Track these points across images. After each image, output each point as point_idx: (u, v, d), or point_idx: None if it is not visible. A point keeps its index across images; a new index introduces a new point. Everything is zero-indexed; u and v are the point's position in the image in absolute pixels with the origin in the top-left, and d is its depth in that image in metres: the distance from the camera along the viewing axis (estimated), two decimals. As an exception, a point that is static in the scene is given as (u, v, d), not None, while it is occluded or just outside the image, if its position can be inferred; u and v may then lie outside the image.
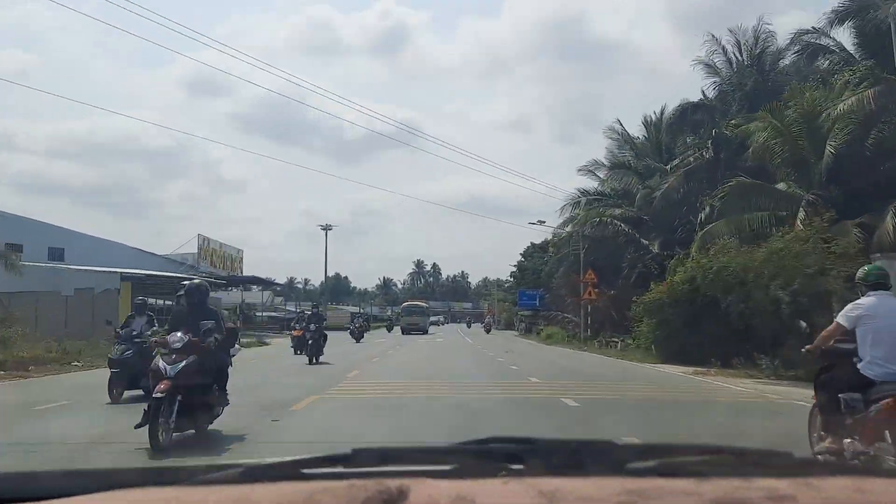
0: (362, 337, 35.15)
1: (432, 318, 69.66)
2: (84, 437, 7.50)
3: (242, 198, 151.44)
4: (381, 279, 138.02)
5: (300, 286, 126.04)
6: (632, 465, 0.97)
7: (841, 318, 5.42)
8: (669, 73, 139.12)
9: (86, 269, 28.17)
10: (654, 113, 31.72)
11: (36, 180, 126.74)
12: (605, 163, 32.48)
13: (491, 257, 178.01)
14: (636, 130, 32.26)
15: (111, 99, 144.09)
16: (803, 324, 14.86)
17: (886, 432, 4.77)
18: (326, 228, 67.23)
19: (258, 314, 54.79)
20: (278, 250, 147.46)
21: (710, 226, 20.87)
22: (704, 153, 25.24)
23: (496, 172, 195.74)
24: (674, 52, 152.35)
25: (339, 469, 0.97)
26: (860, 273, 5.71)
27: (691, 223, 23.95)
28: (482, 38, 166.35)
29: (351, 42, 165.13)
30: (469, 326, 78.58)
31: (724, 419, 9.45)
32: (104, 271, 27.83)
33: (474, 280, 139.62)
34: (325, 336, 20.36)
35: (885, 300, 5.30)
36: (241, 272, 49.43)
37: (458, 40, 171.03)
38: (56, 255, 34.34)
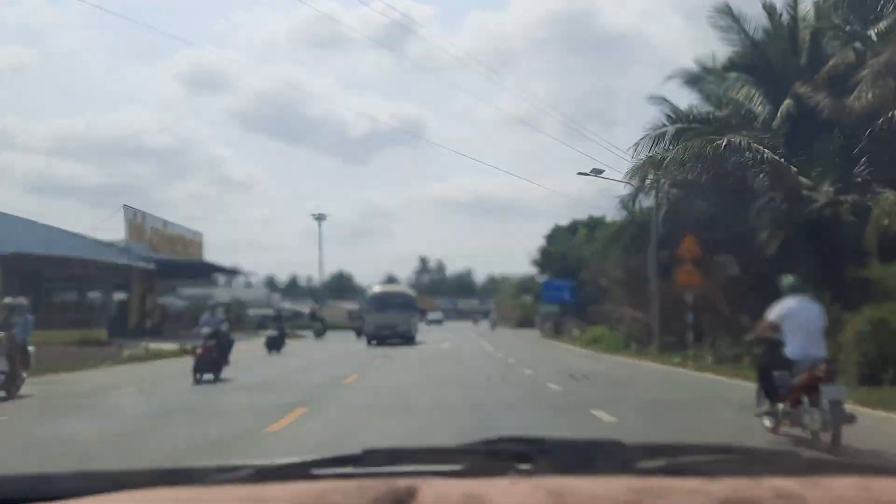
0: (282, 346, 23.50)
1: (431, 316, 61.78)
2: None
3: (246, 197, 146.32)
4: (384, 276, 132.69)
5: (303, 284, 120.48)
6: (640, 464, 1.01)
7: (770, 316, 7.53)
8: (680, 65, 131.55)
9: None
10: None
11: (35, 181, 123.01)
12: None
13: (497, 255, 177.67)
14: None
15: (110, 95, 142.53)
16: None
17: (804, 397, 6.94)
18: (319, 218, 63.95)
19: (251, 312, 50.51)
20: (284, 250, 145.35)
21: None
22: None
23: (505, 169, 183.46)
24: (684, 44, 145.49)
25: (349, 469, 1.01)
26: (784, 282, 7.74)
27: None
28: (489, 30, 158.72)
29: (354, 36, 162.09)
30: (476, 323, 74.84)
31: None
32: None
33: (479, 277, 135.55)
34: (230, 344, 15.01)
35: (802, 302, 7.44)
36: (201, 258, 41.24)
37: (464, 33, 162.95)
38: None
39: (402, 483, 0.88)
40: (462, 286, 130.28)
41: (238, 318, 41.32)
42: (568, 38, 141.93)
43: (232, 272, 46.48)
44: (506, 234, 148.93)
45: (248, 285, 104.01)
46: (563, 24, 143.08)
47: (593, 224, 44.46)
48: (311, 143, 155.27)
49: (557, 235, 51.85)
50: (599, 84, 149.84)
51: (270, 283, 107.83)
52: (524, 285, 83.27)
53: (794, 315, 7.31)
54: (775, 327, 7.46)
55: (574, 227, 49.77)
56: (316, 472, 0.99)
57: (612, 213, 32.21)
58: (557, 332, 41.95)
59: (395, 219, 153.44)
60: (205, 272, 43.93)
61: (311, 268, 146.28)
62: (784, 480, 0.90)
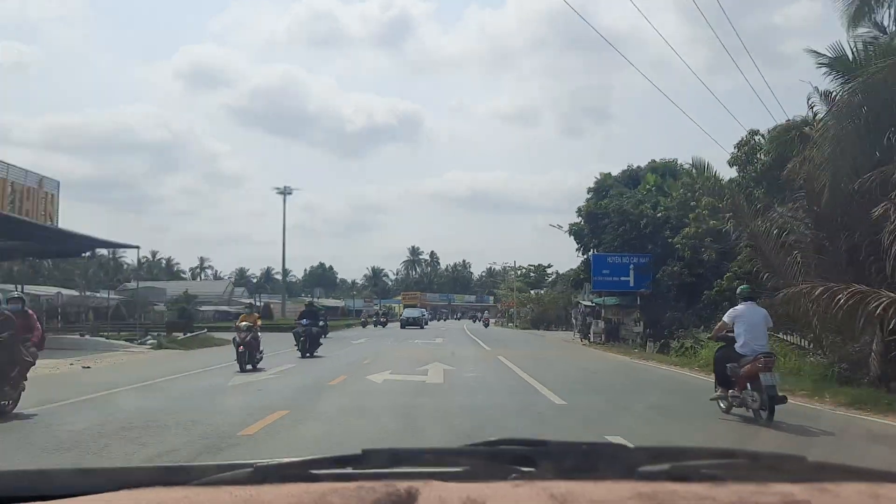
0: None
1: (408, 314, 57.18)
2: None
3: (238, 192, 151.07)
4: (370, 269, 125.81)
5: (278, 277, 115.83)
6: (644, 468, 0.99)
7: (725, 318, 9.66)
8: (677, 64, 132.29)
9: None
10: None
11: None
12: None
13: (494, 251, 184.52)
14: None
15: (106, 90, 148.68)
16: None
17: (748, 383, 8.89)
18: (285, 192, 58.27)
19: (202, 308, 48.49)
20: (273, 245, 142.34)
21: None
22: None
23: (502, 166, 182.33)
24: (681, 43, 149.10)
25: (349, 470, 1.01)
26: (738, 290, 10.09)
27: None
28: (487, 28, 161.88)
29: (353, 33, 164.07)
30: (475, 322, 70.73)
31: None
32: None
33: (477, 270, 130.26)
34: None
35: (750, 307, 9.46)
36: (56, 222, 26.79)
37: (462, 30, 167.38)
38: None
39: (402, 485, 0.88)
40: (458, 281, 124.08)
41: (184, 314, 38.78)
42: (565, 35, 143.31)
43: (108, 245, 36.04)
44: (502, 229, 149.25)
45: (217, 278, 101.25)
46: (560, 22, 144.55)
47: (667, 168, 32.78)
48: (306, 137, 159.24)
49: (606, 186, 34.62)
50: (595, 80, 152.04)
51: (241, 277, 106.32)
52: (536, 275, 77.43)
53: (743, 317, 9.35)
54: (727, 327, 9.55)
55: (635, 175, 34.46)
56: (315, 472, 0.99)
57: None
58: (612, 337, 29.24)
59: (389, 213, 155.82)
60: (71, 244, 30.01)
61: (295, 263, 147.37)
62: (790, 486, 0.90)
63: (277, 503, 0.88)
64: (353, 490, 0.88)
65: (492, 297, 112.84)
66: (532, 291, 70.80)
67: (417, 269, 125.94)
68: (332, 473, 0.99)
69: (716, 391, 9.65)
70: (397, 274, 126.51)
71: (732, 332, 9.37)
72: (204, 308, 50.55)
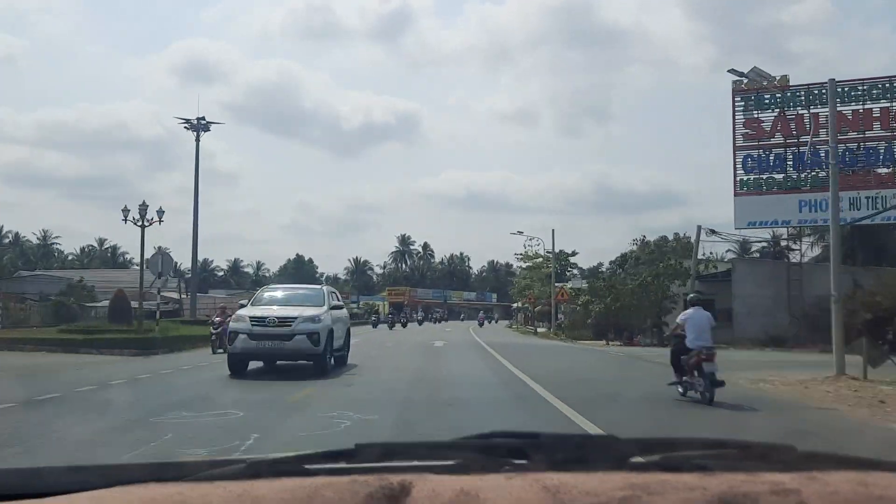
0: None
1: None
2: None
3: (233, 190, 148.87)
4: (353, 260, 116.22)
5: (249, 271, 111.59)
6: (635, 459, 1.04)
7: (678, 320, 12.74)
8: (681, 62, 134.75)
9: None
10: None
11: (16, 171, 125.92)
12: None
13: (491, 253, 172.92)
14: None
15: (99, 86, 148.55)
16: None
17: (695, 371, 11.49)
18: (198, 127, 46.74)
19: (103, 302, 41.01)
20: (268, 244, 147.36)
21: None
22: None
23: (500, 165, 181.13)
24: (686, 40, 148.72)
25: (342, 464, 1.04)
26: (688, 298, 13.84)
27: None
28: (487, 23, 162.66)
29: (349, 27, 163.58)
30: (483, 325, 65.42)
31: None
32: None
33: (476, 265, 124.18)
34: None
35: (697, 311, 12.15)
36: None
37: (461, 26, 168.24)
38: None
39: (396, 478, 0.91)
40: (455, 275, 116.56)
41: (61, 310, 35.94)
42: (567, 31, 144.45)
43: None
44: (501, 230, 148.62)
45: (177, 271, 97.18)
46: (561, 18, 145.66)
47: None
48: (301, 136, 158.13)
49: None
50: (597, 79, 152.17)
51: (203, 270, 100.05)
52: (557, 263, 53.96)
53: (692, 319, 12.05)
54: (680, 327, 12.34)
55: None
56: (308, 466, 1.02)
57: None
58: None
59: (384, 213, 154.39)
60: None
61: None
62: (780, 475, 0.94)
63: (270, 498, 0.90)
64: (346, 484, 0.91)
65: (494, 295, 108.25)
66: (568, 284, 54.08)
67: (408, 262, 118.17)
68: (326, 468, 1.02)
69: (674, 378, 12.27)
70: (384, 268, 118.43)
71: (684, 331, 12.04)
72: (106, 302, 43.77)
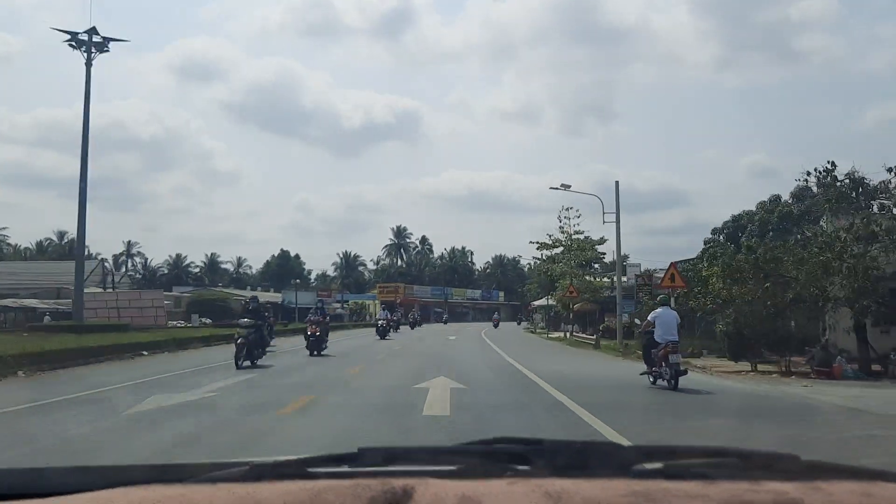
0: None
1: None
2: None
3: (233, 190, 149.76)
4: (342, 255, 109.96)
5: (229, 267, 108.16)
6: (637, 467, 1.04)
7: (649, 318, 15.50)
8: (687, 60, 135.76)
9: None
10: None
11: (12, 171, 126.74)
12: None
13: (492, 251, 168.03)
14: None
15: (97, 85, 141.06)
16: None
17: (662, 362, 14.20)
18: (89, 42, 36.60)
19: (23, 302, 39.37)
20: (269, 243, 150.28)
21: None
22: None
23: (502, 164, 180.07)
24: (690, 37, 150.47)
25: (345, 468, 1.07)
26: (658, 299, 19.46)
27: None
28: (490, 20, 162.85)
29: (349, 24, 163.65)
30: (498, 327, 58.20)
31: None
32: None
33: (480, 261, 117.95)
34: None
35: (665, 310, 15.18)
36: None
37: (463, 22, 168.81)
38: None
39: (398, 483, 0.93)
40: (457, 272, 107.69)
41: None
42: (569, 29, 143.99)
43: None
44: (500, 230, 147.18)
45: (146, 268, 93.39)
46: (563, 14, 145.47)
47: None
48: (301, 135, 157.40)
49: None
50: (600, 77, 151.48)
51: (176, 266, 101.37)
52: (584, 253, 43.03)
53: (661, 317, 14.84)
54: (651, 324, 15.07)
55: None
56: (311, 470, 1.05)
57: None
58: None
59: (385, 212, 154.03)
60: None
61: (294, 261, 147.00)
62: (783, 485, 0.96)
63: (273, 501, 0.92)
64: (348, 487, 0.93)
65: (501, 294, 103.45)
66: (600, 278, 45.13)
67: (404, 256, 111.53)
68: (328, 471, 1.04)
69: (645, 369, 15.22)
70: (378, 263, 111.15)
71: (654, 327, 14.81)
72: (26, 303, 40.69)
